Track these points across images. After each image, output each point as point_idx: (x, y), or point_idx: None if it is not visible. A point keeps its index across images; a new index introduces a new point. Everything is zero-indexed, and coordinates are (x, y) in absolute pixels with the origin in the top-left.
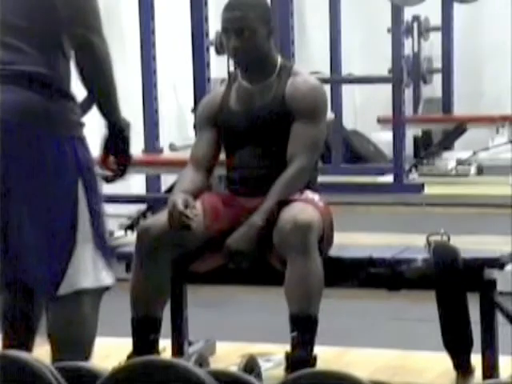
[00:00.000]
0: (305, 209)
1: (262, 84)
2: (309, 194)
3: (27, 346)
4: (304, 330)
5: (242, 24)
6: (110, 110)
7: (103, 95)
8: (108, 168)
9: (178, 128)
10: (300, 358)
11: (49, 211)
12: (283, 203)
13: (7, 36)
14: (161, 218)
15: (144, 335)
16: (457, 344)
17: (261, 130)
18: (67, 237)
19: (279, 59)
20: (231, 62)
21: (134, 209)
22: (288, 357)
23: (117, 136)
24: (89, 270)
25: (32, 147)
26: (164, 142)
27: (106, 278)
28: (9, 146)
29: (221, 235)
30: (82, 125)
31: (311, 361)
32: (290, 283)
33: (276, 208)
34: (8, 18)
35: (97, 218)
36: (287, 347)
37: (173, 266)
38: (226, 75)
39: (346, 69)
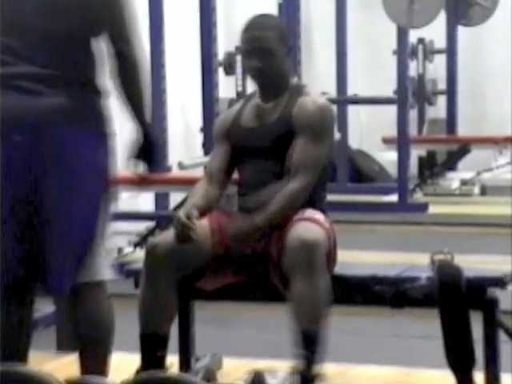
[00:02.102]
0: (311, 228)
1: (274, 102)
2: (315, 213)
3: (26, 356)
4: (310, 346)
5: (261, 44)
6: (143, 115)
7: (138, 101)
8: (132, 172)
9: (187, 147)
10: (305, 374)
11: (88, 203)
12: (290, 223)
13: (39, 40)
14: (168, 235)
15: (151, 351)
16: (459, 362)
17: (268, 147)
18: (95, 227)
19: (294, 78)
20: (239, 83)
21: (142, 226)
22: (293, 373)
23: (149, 140)
24: (104, 263)
25: (73, 145)
26: (172, 160)
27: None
28: (50, 144)
29: (227, 253)
30: (111, 121)
31: (316, 377)
32: (297, 300)
33: (277, 219)
34: (39, 22)
35: (108, 211)
36: (292, 364)
37: (180, 282)
38: (234, 95)
39: (352, 89)
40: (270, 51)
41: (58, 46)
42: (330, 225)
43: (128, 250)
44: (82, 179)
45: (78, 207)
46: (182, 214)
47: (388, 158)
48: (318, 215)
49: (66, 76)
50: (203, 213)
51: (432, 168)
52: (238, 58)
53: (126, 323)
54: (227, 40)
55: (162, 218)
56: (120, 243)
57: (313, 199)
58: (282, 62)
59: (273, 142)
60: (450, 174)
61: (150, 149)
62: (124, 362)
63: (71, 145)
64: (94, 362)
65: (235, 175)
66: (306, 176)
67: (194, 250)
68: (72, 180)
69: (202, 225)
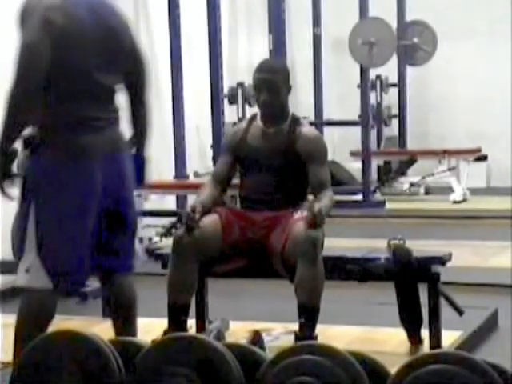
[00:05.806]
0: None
1: (276, 128)
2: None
3: None
4: (310, 316)
5: (269, 84)
6: (145, 143)
7: (147, 133)
8: None
9: (200, 160)
10: (306, 337)
11: (135, 204)
12: (292, 222)
13: (101, 91)
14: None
15: (176, 316)
16: (410, 322)
17: (269, 164)
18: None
19: (290, 111)
20: (240, 110)
21: (167, 221)
22: (296, 336)
23: (142, 163)
24: None
25: (127, 164)
26: (190, 170)
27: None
28: (117, 165)
29: (234, 245)
30: None
31: (313, 339)
32: (302, 281)
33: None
34: (102, 78)
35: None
36: (284, 325)
37: (199, 267)
38: (236, 120)
39: (327, 114)
40: (276, 89)
41: (110, 93)
42: None
43: (156, 239)
44: (132, 187)
45: (134, 207)
46: (187, 209)
47: (355, 166)
48: None
49: (115, 116)
50: (208, 209)
51: (388, 174)
52: (239, 92)
53: (156, 295)
54: (231, 77)
55: (181, 215)
56: (150, 234)
57: (303, 201)
58: (284, 98)
59: (275, 160)
60: (402, 179)
61: (143, 166)
62: (154, 326)
63: (127, 164)
64: (127, 325)
65: (235, 180)
66: (329, 189)
67: (208, 241)
68: (131, 187)
69: (214, 221)
